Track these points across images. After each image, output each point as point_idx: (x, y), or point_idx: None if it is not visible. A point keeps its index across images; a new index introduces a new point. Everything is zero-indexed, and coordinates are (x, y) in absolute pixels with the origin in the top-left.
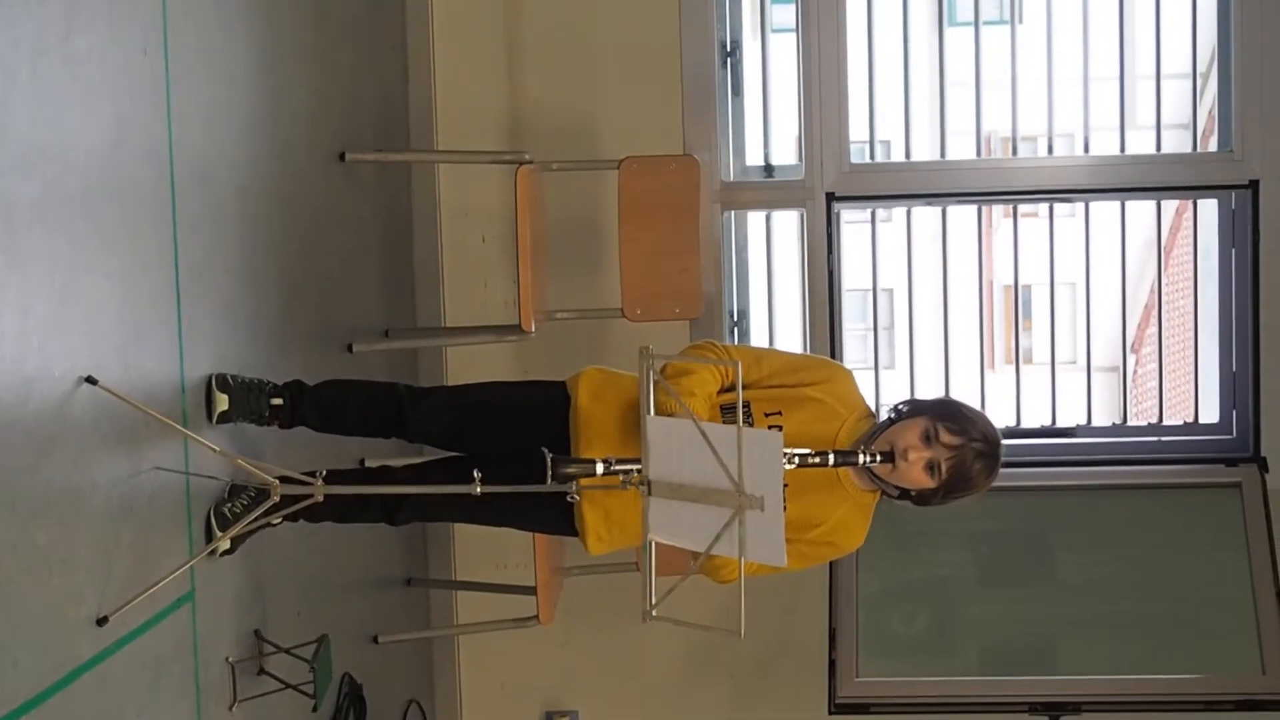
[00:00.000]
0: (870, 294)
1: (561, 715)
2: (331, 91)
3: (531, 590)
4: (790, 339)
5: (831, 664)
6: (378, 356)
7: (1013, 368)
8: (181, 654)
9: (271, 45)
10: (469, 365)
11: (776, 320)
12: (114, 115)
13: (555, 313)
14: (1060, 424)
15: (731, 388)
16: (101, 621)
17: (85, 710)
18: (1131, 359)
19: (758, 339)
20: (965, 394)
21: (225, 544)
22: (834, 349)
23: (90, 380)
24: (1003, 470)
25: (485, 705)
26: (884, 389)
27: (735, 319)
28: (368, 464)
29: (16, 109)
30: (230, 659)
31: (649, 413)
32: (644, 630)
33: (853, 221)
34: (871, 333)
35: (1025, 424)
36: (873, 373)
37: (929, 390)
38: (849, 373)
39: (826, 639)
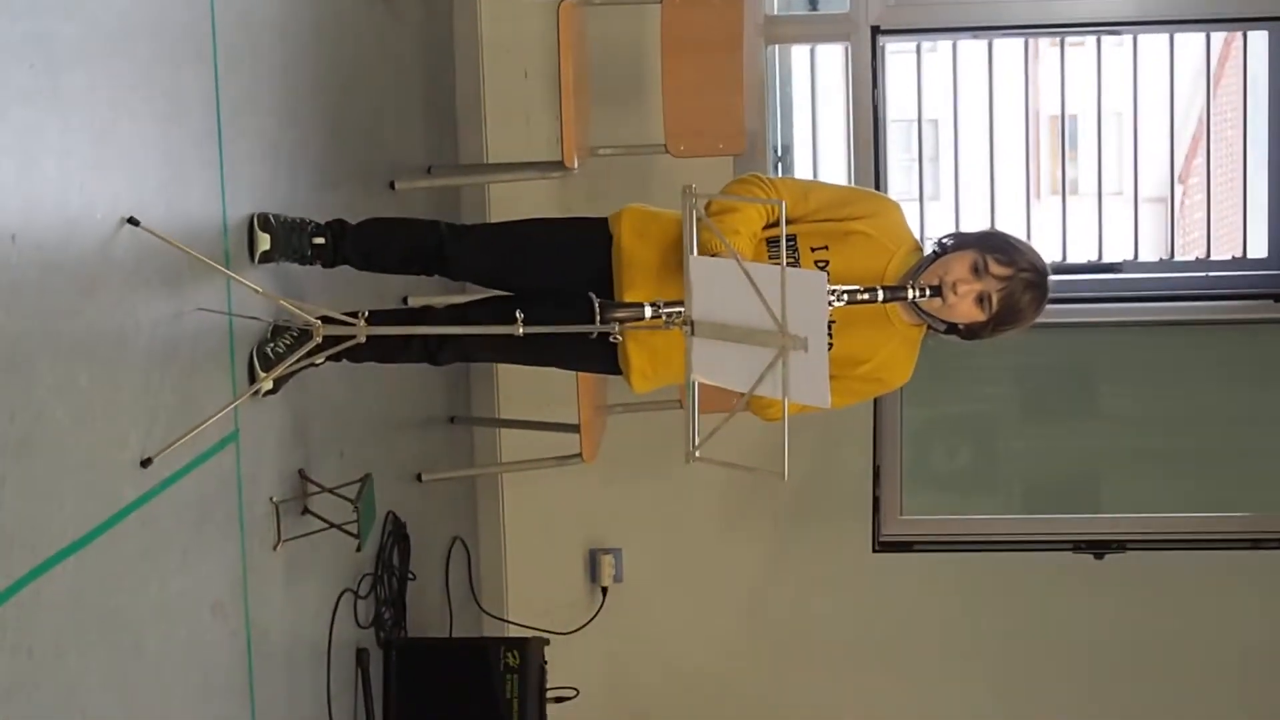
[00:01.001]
0: (915, 125)
1: (605, 553)
2: None
3: (575, 429)
4: (834, 174)
5: (875, 501)
6: (420, 194)
7: (1058, 199)
8: (225, 494)
9: None
10: (512, 203)
11: (821, 155)
12: None
13: (598, 148)
14: (1106, 259)
15: (777, 223)
16: (145, 463)
17: (130, 551)
18: (1179, 190)
19: (802, 174)
20: (1011, 226)
21: (268, 384)
22: (878, 183)
23: (132, 221)
24: (1048, 306)
25: (529, 543)
26: (929, 220)
27: (779, 154)
28: (410, 302)
29: None
30: (274, 499)
31: (692, 252)
32: (687, 469)
33: (898, 52)
34: (916, 163)
35: (1071, 259)
36: (918, 204)
37: (974, 222)
38: (897, 206)
39: (870, 477)
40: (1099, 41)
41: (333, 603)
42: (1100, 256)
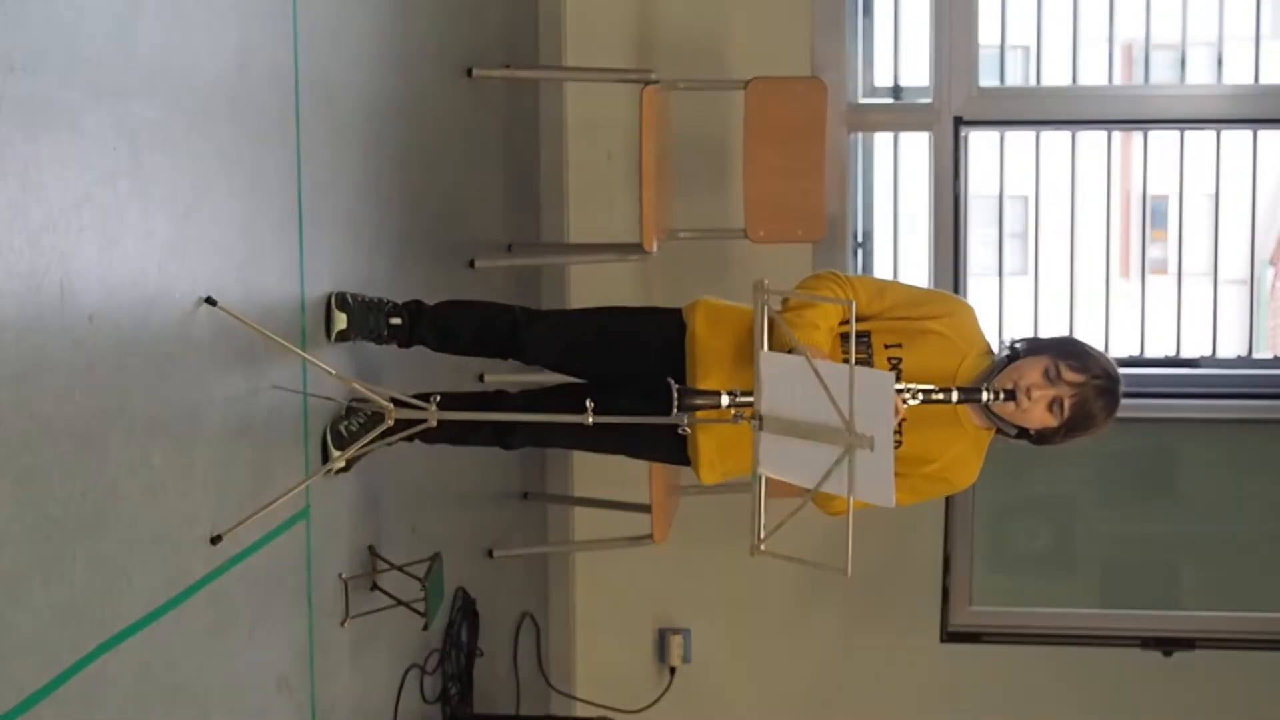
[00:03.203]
0: (998, 201)
1: (674, 633)
2: (459, 6)
3: (647, 509)
4: (916, 262)
5: (945, 591)
6: (500, 273)
7: (1139, 282)
8: (295, 570)
9: None
10: (591, 285)
11: (901, 242)
12: (239, 37)
13: (677, 232)
14: (1185, 354)
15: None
16: (215, 540)
17: (198, 626)
18: (1269, 272)
19: (882, 261)
20: (1092, 305)
21: (340, 463)
22: (958, 271)
23: (210, 301)
24: (1124, 401)
25: (598, 621)
26: (1009, 295)
27: (860, 241)
28: (487, 380)
29: (142, 31)
30: (343, 575)
31: (763, 347)
32: None
33: (983, 131)
34: (998, 242)
35: (1150, 353)
36: (997, 279)
37: (1055, 297)
38: (971, 308)
39: (941, 566)
40: (1182, 137)
41: (399, 678)
42: (1179, 351)
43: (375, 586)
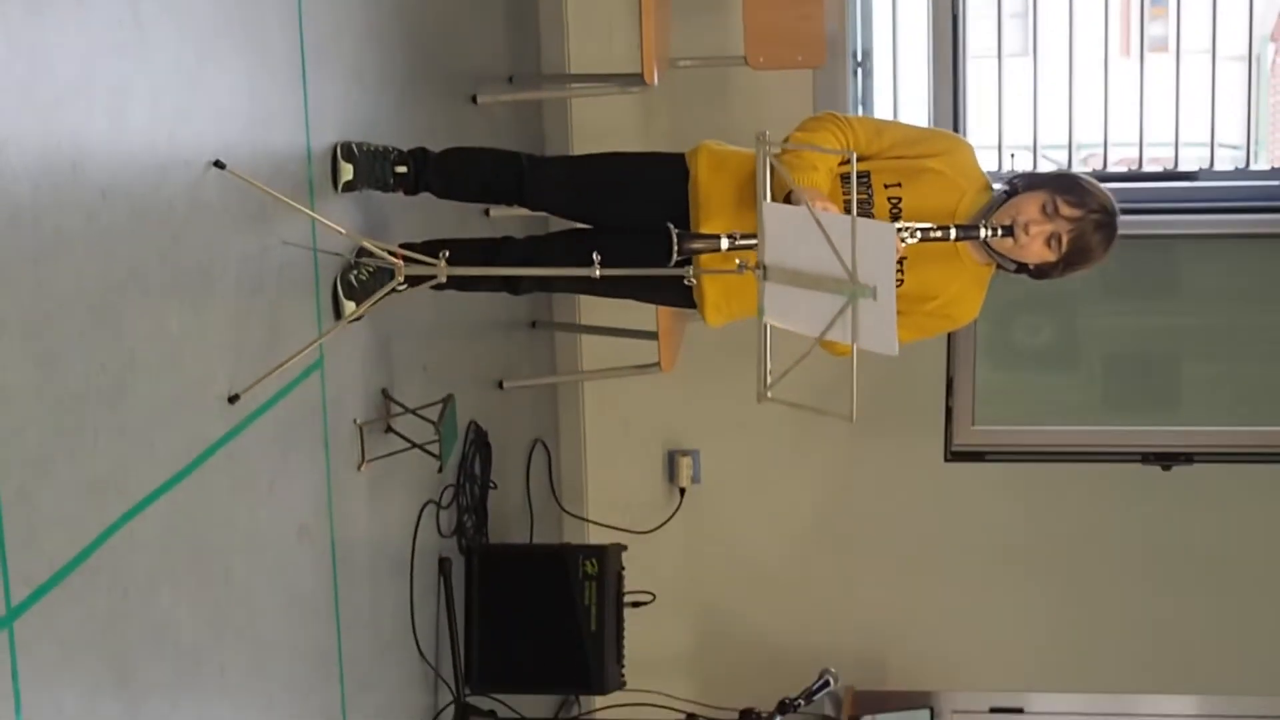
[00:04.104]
0: None
1: (683, 454)
2: None
3: (654, 335)
4: (916, 80)
5: (949, 411)
6: (502, 109)
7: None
8: (310, 420)
9: None
10: (593, 118)
11: (901, 59)
12: None
13: (678, 60)
14: (1183, 166)
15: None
16: (233, 399)
17: (219, 485)
18: (1269, 49)
19: (882, 80)
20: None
21: (354, 317)
22: (956, 93)
23: (218, 164)
24: (1122, 218)
25: (608, 445)
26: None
27: (859, 60)
28: (491, 216)
29: None
30: (358, 420)
31: (765, 198)
32: None
33: None
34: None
35: (1150, 135)
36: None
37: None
38: (969, 145)
39: (944, 386)
40: None
41: (416, 515)
42: (1176, 164)
43: (390, 429)
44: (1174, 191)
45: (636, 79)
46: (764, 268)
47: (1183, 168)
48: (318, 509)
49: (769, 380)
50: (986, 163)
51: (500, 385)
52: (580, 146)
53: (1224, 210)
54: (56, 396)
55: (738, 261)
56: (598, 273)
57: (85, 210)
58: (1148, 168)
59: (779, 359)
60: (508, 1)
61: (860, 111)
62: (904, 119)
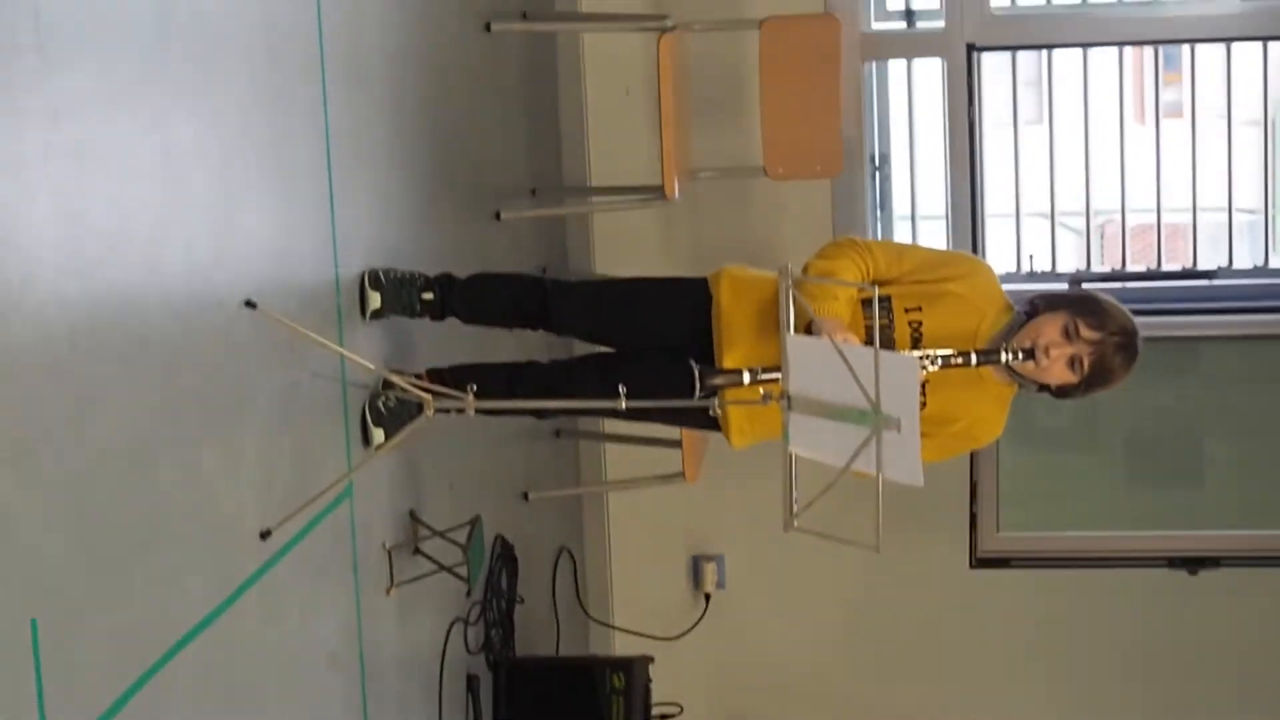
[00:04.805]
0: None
1: (708, 560)
2: None
3: (678, 444)
4: (933, 183)
5: (973, 518)
6: (525, 225)
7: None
8: (340, 547)
9: None
10: (615, 231)
11: (918, 164)
12: (263, 39)
13: (698, 171)
14: (1201, 264)
15: (873, 283)
16: (265, 535)
17: (250, 621)
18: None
19: (900, 184)
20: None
21: (385, 448)
22: (974, 198)
23: (250, 304)
24: (1141, 319)
25: (633, 550)
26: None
27: (876, 165)
28: (516, 340)
29: (174, 48)
30: (387, 544)
31: (788, 330)
32: None
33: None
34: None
35: (1166, 201)
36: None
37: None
38: (989, 268)
39: (968, 493)
40: (1193, 50)
41: (444, 634)
42: (1195, 262)
43: (418, 550)
44: (1193, 291)
45: (657, 192)
46: (788, 398)
47: (1201, 249)
48: (347, 635)
49: (795, 509)
50: (1003, 278)
51: (525, 497)
52: (602, 257)
53: (1244, 310)
54: (93, 547)
55: (762, 392)
56: (624, 405)
57: (122, 361)
58: (1165, 237)
59: (803, 478)
60: (529, 114)
61: (879, 214)
62: (922, 222)
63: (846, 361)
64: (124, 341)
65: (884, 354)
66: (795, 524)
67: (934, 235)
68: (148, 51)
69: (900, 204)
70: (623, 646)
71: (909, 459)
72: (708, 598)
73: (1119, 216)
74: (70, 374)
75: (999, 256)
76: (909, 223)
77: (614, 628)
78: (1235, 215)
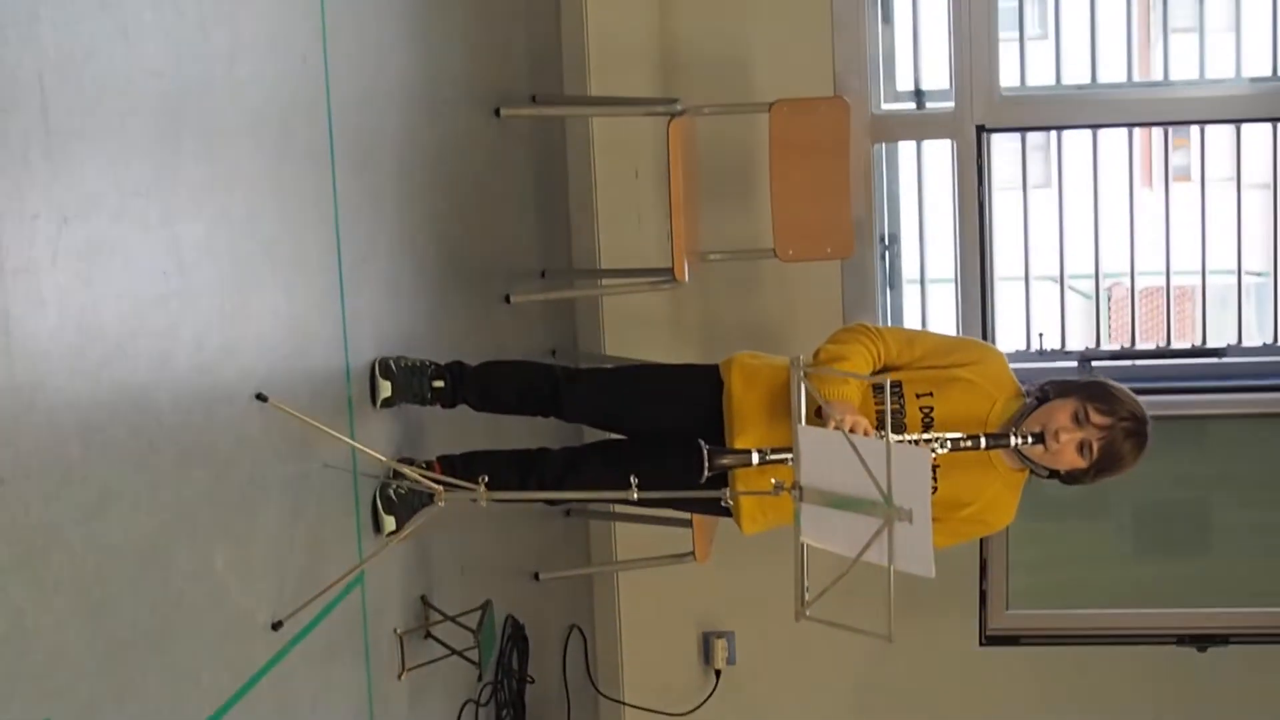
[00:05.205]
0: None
1: (718, 636)
2: (485, 44)
3: (688, 523)
4: (942, 262)
5: (982, 595)
6: (535, 308)
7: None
8: (352, 635)
9: (424, 6)
10: (625, 312)
11: (927, 244)
12: (278, 136)
13: (708, 254)
14: (1210, 340)
15: (885, 369)
16: (276, 626)
17: (264, 710)
18: None
19: (908, 264)
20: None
21: (396, 538)
22: (984, 277)
23: (261, 398)
24: (1150, 397)
25: (643, 627)
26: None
27: (886, 245)
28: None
29: (185, 151)
30: (398, 630)
31: (800, 421)
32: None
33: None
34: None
35: (1176, 264)
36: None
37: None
38: (1000, 354)
39: (978, 571)
40: (1203, 131)
41: (455, 716)
42: (1204, 338)
43: (429, 635)
44: (1202, 369)
45: (667, 274)
46: (800, 489)
47: (1208, 326)
48: None
49: (806, 597)
50: (1012, 357)
51: (536, 577)
52: (612, 339)
53: (1253, 390)
54: (106, 645)
55: (774, 482)
56: (635, 496)
57: (134, 462)
58: (1174, 298)
59: (814, 561)
60: (539, 197)
61: (888, 295)
62: (932, 286)
63: (858, 452)
64: (135, 440)
65: (896, 445)
66: (807, 613)
67: (943, 300)
68: (156, 148)
69: (910, 271)
70: None
71: (921, 549)
72: (718, 674)
73: (1128, 280)
74: (82, 474)
75: (1008, 332)
76: (918, 286)
77: (625, 704)
78: (1244, 279)
